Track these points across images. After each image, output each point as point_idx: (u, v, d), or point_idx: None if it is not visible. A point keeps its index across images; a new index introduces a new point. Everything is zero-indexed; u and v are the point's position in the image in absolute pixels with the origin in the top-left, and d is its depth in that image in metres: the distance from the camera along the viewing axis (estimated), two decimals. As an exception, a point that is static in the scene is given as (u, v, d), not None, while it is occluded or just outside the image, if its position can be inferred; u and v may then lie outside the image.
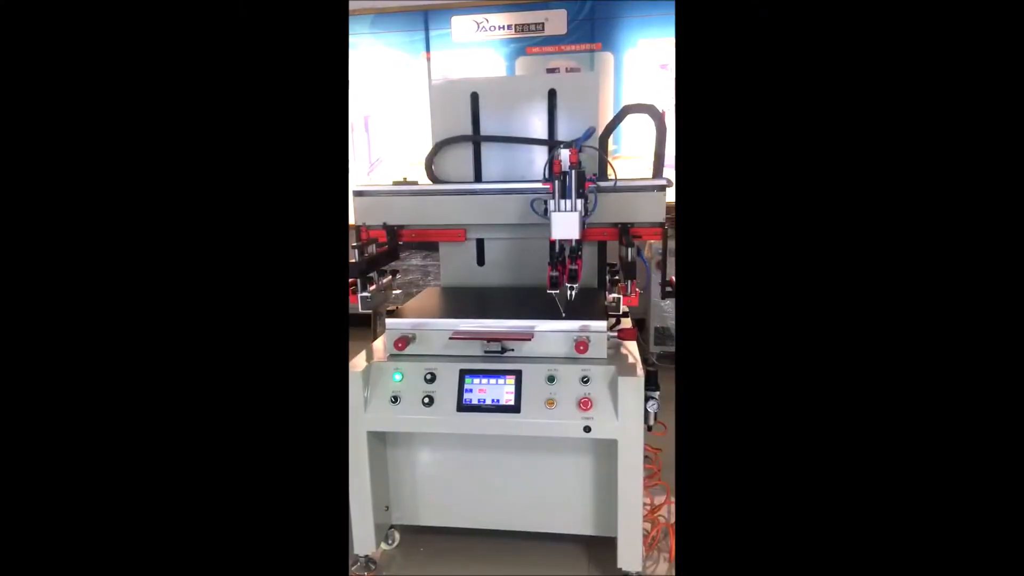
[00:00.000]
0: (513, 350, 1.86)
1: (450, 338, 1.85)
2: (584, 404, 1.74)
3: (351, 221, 1.89)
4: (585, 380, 1.77)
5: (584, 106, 2.21)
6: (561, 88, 2.21)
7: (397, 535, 2.10)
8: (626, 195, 2.07)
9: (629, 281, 1.80)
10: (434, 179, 2.30)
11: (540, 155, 2.23)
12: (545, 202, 1.87)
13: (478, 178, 2.29)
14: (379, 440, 1.94)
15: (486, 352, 1.87)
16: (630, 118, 2.22)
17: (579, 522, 1.96)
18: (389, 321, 1.94)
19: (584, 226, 1.86)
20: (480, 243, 2.34)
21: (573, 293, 1.80)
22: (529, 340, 1.82)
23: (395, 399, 1.83)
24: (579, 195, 1.77)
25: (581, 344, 1.79)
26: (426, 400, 1.81)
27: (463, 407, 1.80)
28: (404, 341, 1.87)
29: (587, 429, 1.74)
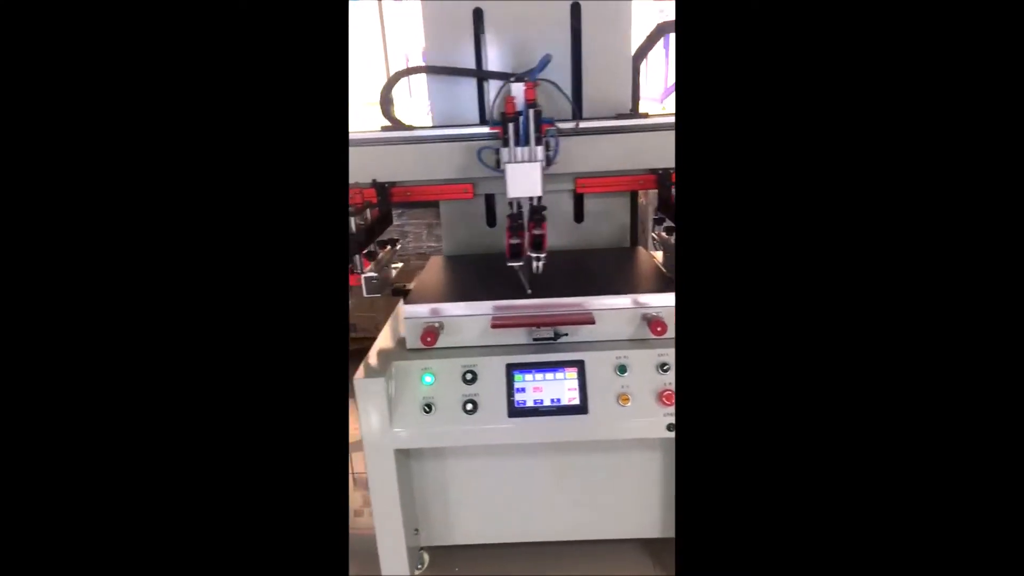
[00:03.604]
0: (567, 335, 1.51)
1: (492, 325, 1.47)
2: (667, 397, 1.43)
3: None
4: (665, 367, 1.45)
5: (615, 27, 1.81)
6: (587, 5, 1.79)
7: (427, 557, 1.76)
8: (663, 135, 1.70)
9: None
10: (393, 120, 1.86)
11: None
12: (496, 151, 1.50)
13: (484, 119, 1.87)
14: (403, 454, 1.57)
15: (535, 340, 1.51)
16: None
17: (643, 525, 1.68)
18: (406, 308, 1.53)
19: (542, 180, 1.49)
20: (489, 199, 1.95)
21: (540, 266, 1.49)
22: (591, 323, 1.47)
23: (428, 408, 1.45)
24: (538, 141, 1.44)
25: (657, 324, 1.46)
26: (468, 406, 1.45)
27: (516, 411, 1.45)
28: (433, 334, 1.48)
29: (672, 427, 1.43)
